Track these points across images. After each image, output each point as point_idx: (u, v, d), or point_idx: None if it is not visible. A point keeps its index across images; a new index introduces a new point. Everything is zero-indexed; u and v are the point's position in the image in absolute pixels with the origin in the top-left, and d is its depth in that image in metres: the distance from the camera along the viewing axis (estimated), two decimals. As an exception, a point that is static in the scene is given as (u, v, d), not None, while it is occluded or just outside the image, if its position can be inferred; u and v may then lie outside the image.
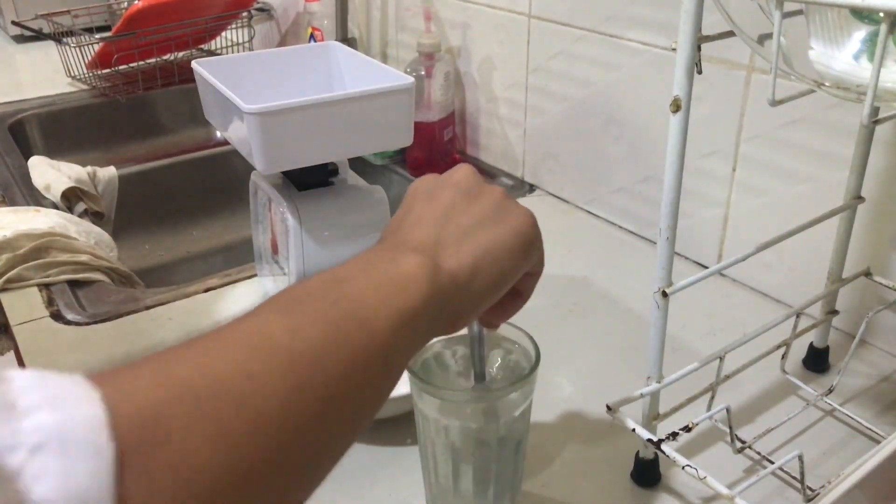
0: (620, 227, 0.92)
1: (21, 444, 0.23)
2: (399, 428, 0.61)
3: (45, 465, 0.23)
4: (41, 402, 0.24)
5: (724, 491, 0.47)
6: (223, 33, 1.48)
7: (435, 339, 0.52)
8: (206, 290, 0.80)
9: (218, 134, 1.42)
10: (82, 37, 1.38)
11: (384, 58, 1.27)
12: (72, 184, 1.03)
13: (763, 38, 0.44)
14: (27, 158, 1.09)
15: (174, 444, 0.26)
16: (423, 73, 1.03)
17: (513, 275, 0.42)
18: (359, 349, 0.33)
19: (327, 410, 0.32)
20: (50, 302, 0.77)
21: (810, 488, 0.52)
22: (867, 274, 0.63)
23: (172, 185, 1.21)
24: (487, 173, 1.08)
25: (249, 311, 0.34)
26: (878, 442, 0.50)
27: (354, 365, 0.33)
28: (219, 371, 0.29)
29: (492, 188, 0.44)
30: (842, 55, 0.41)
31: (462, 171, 0.45)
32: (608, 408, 0.53)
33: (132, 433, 0.25)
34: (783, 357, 0.62)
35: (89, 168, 1.10)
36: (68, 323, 0.75)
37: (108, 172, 1.12)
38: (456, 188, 0.43)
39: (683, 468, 0.49)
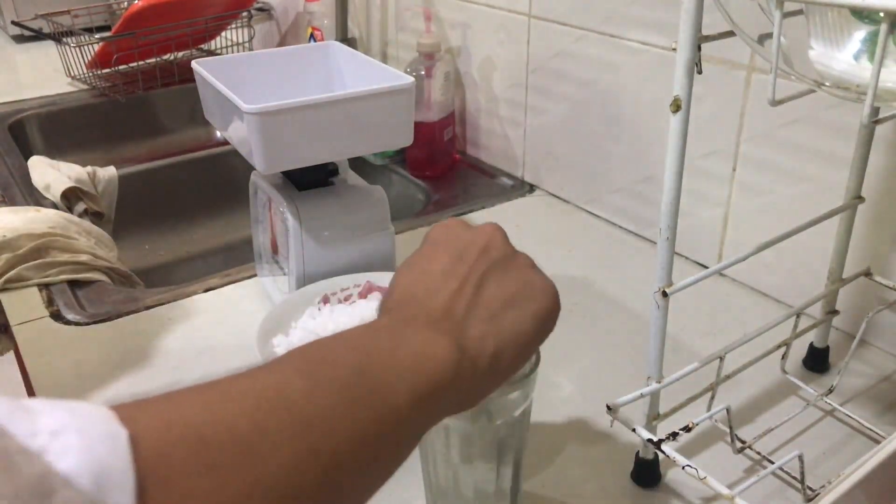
0: (620, 227, 0.92)
1: (41, 431, 0.24)
2: (399, 428, 0.61)
3: (66, 444, 0.24)
4: (57, 407, 0.25)
5: (724, 491, 0.47)
6: (223, 33, 1.48)
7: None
8: (206, 290, 0.80)
9: (218, 134, 1.42)
10: (82, 37, 1.38)
11: (384, 58, 1.27)
12: (72, 184, 1.03)
13: (763, 38, 0.44)
14: (27, 158, 1.10)
15: (173, 486, 0.26)
16: (423, 73, 1.03)
17: (530, 356, 0.42)
18: (373, 423, 0.33)
19: (331, 480, 0.31)
20: (50, 302, 0.77)
21: (810, 488, 0.52)
22: (867, 274, 0.63)
23: (172, 185, 1.21)
24: (487, 173, 1.08)
25: (270, 363, 0.33)
26: (878, 442, 0.50)
27: (366, 437, 0.33)
28: (230, 420, 0.29)
29: (520, 259, 0.43)
30: (842, 55, 0.41)
31: (492, 235, 0.43)
32: (608, 408, 0.53)
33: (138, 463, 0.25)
34: (783, 357, 0.62)
35: (89, 168, 1.10)
36: (68, 323, 0.75)
37: (108, 172, 1.12)
38: (486, 255, 0.42)
39: (683, 468, 0.49)
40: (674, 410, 0.55)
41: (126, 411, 0.27)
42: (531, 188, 1.03)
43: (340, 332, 0.37)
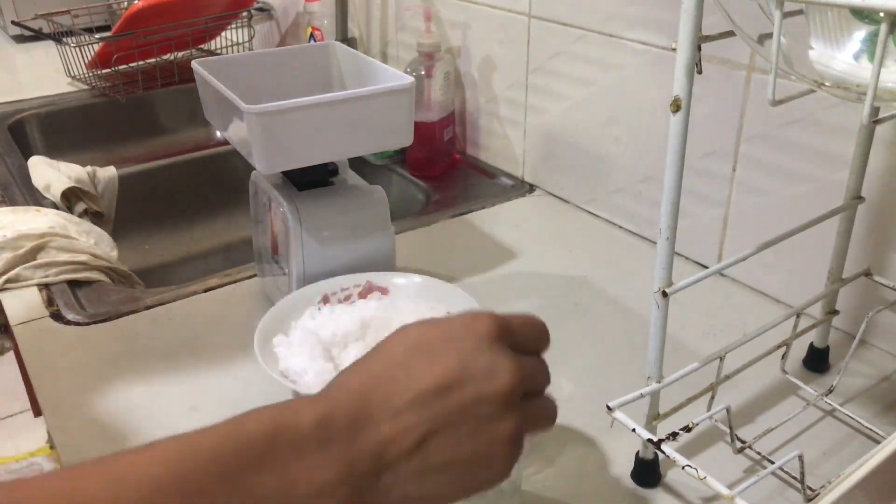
0: (620, 227, 0.92)
1: None
2: (399, 428, 0.61)
3: None
4: None
5: (724, 491, 0.47)
6: (223, 33, 1.48)
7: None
8: (206, 290, 0.80)
9: (218, 134, 1.42)
10: (82, 37, 1.38)
11: (384, 58, 1.27)
12: (72, 184, 1.03)
13: (763, 38, 0.44)
14: (27, 158, 1.09)
15: None
16: (423, 73, 1.03)
17: None
18: None
19: None
20: (50, 302, 0.77)
21: (810, 488, 0.52)
22: (867, 274, 0.63)
23: (172, 185, 1.21)
24: (487, 173, 1.08)
25: (139, 456, 0.32)
26: (878, 442, 0.50)
27: None
28: None
29: (504, 428, 0.36)
30: (842, 55, 0.41)
31: (498, 388, 0.36)
32: (608, 408, 0.53)
33: None
34: (783, 357, 0.62)
35: (89, 168, 1.10)
36: (68, 323, 0.75)
37: (108, 172, 1.12)
38: (473, 407, 0.36)
39: (683, 468, 0.49)
40: (674, 410, 0.55)
41: None
42: (531, 188, 1.03)
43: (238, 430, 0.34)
